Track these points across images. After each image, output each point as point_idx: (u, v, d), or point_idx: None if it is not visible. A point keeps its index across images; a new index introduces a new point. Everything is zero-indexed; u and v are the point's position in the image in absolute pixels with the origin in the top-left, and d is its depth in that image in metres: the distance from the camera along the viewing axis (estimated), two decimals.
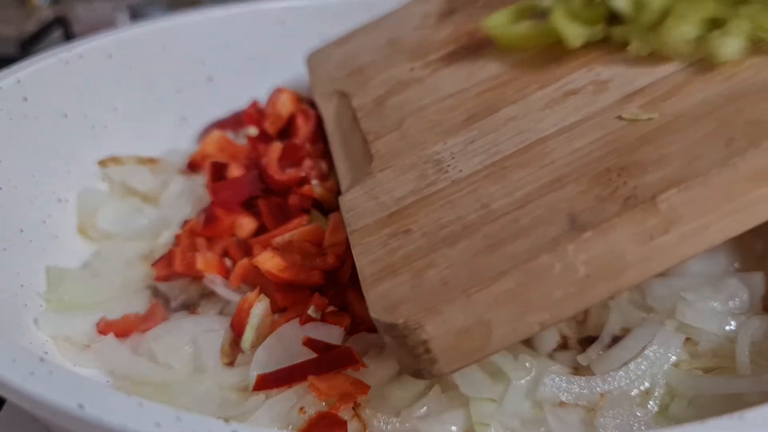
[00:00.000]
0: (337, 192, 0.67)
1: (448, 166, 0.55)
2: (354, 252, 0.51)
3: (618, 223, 0.43)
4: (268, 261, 0.63)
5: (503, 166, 0.52)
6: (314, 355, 0.56)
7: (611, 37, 0.61)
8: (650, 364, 0.56)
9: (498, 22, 0.67)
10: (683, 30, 0.55)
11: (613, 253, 0.43)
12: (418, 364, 0.43)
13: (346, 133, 0.69)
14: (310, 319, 0.61)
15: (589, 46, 0.62)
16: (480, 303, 0.42)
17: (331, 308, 0.62)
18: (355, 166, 0.62)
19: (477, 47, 0.69)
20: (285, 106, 0.90)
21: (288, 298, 0.63)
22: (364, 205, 0.55)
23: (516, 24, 0.67)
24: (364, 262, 0.49)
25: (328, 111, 0.76)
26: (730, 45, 0.52)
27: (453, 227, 0.48)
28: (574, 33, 0.61)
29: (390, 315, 0.43)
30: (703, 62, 0.54)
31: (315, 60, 0.88)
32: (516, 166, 0.51)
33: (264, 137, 0.89)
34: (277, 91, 0.93)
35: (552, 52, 0.63)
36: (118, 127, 0.88)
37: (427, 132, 0.60)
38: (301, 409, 0.54)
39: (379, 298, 0.45)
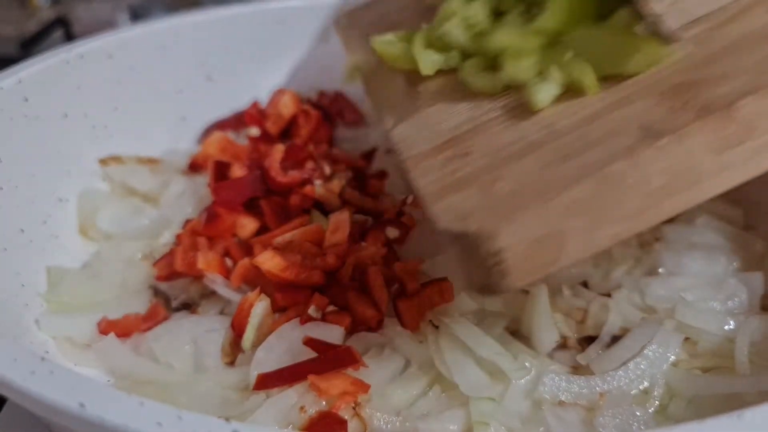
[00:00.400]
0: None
1: (502, 97, 0.54)
2: (412, 175, 0.50)
3: (694, 129, 0.41)
4: (269, 261, 0.63)
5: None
6: (315, 355, 0.57)
7: (463, 67, 0.62)
8: (649, 364, 0.56)
9: (385, 40, 0.69)
10: (519, 66, 0.55)
11: (689, 162, 0.41)
12: (489, 277, 0.42)
13: (385, 80, 0.69)
14: (311, 318, 0.61)
15: None
16: (554, 211, 0.41)
17: (331, 308, 0.63)
18: (398, 105, 0.63)
19: None
20: (286, 106, 0.91)
21: (288, 297, 0.64)
22: (415, 135, 0.55)
23: (395, 45, 0.68)
24: (423, 182, 0.48)
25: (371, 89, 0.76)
26: (544, 92, 0.52)
27: (516, 146, 0.47)
28: (428, 60, 0.62)
29: (461, 223, 0.42)
30: None
31: (344, 22, 0.89)
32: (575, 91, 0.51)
33: (266, 137, 0.90)
34: (279, 92, 0.94)
35: None
36: (119, 128, 0.88)
37: None
38: (302, 408, 0.54)
39: (447, 210, 0.44)
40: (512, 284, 0.41)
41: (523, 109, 0.51)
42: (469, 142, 0.50)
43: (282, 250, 0.65)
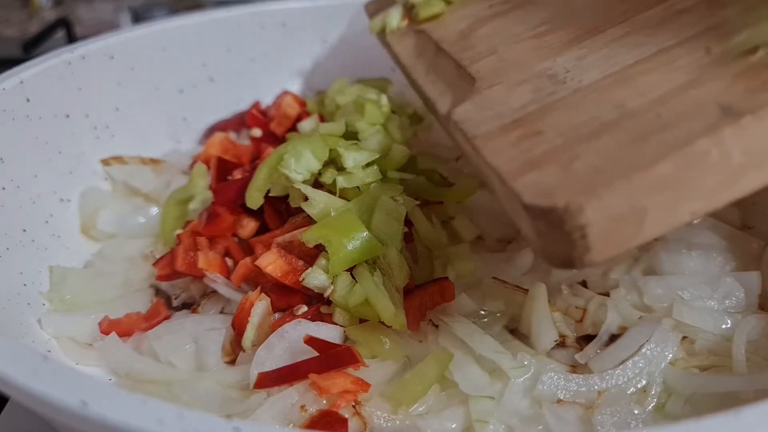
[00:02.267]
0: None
1: (565, 78, 0.55)
2: (484, 153, 0.51)
3: None
4: (271, 263, 0.64)
5: (627, 74, 0.52)
6: (315, 354, 0.57)
7: None
8: (647, 363, 0.57)
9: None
10: None
11: None
12: (572, 252, 0.42)
13: (431, 62, 0.70)
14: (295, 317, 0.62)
15: None
16: (638, 187, 0.41)
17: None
18: (451, 87, 0.64)
19: None
20: (291, 107, 0.92)
21: (282, 300, 0.64)
22: (478, 116, 0.56)
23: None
24: (499, 160, 0.49)
25: (404, 47, 0.78)
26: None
27: (590, 126, 0.48)
28: None
29: (547, 199, 0.42)
30: None
31: (376, 7, 0.90)
32: (641, 73, 0.51)
33: (268, 138, 0.90)
34: (283, 94, 0.95)
35: None
36: (120, 128, 0.88)
37: (528, 54, 0.61)
38: (302, 407, 0.54)
39: (530, 186, 0.44)
40: (594, 259, 0.42)
41: (589, 90, 0.52)
42: (539, 122, 0.51)
43: (284, 251, 0.65)
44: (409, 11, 0.79)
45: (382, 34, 0.83)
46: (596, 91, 0.51)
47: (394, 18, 0.80)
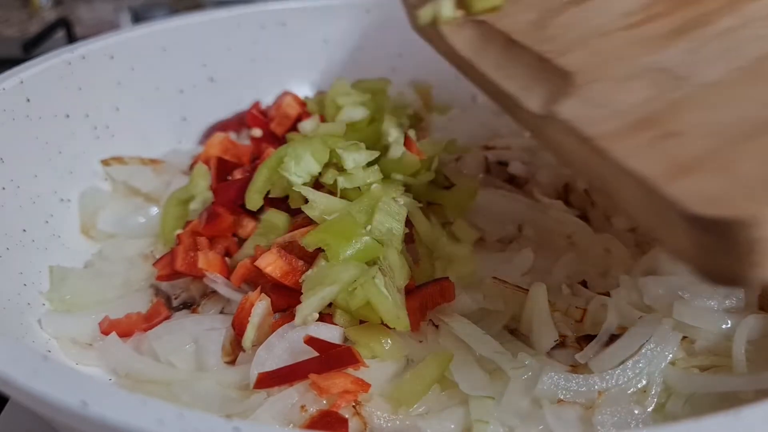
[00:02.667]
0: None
1: (683, 73, 0.51)
2: (614, 155, 0.46)
3: None
4: (271, 264, 0.63)
5: (758, 69, 0.49)
6: (315, 354, 0.57)
7: None
8: (647, 362, 0.57)
9: None
10: None
11: None
12: (739, 267, 0.39)
13: (501, 55, 0.66)
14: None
15: None
16: None
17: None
18: (536, 82, 0.59)
19: None
20: (292, 107, 0.92)
21: (282, 300, 0.64)
22: (590, 114, 0.51)
23: None
24: (639, 163, 0.44)
25: (462, 39, 0.72)
26: None
27: (741, 127, 0.44)
28: None
29: (717, 209, 0.38)
30: None
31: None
32: None
33: (268, 138, 0.90)
34: (284, 94, 0.96)
35: None
36: (120, 128, 0.88)
37: (625, 47, 0.58)
38: (303, 407, 0.54)
39: (692, 193, 0.40)
40: (762, 275, 0.39)
41: (721, 86, 0.49)
42: (672, 121, 0.47)
43: (284, 251, 0.65)
44: (461, 1, 0.73)
45: (429, 26, 0.77)
46: (729, 88, 0.48)
47: (447, 8, 0.74)
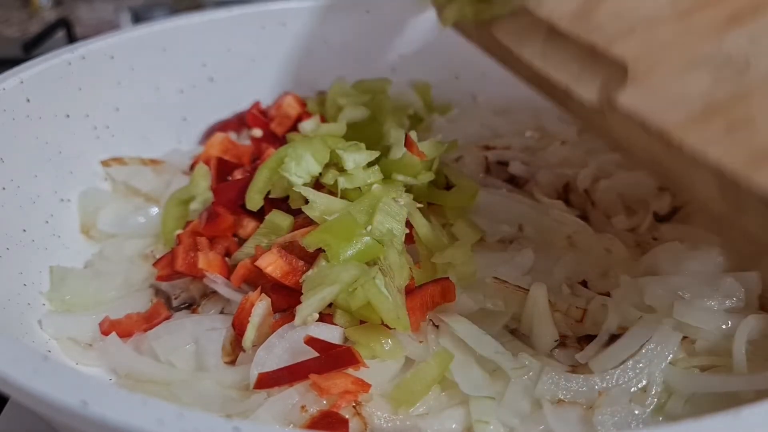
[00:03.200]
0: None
1: (746, 62, 0.51)
2: (690, 145, 0.46)
3: None
4: (272, 264, 0.63)
5: None
6: (315, 354, 0.57)
7: None
8: (648, 362, 0.56)
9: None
10: None
11: None
12: None
13: (545, 44, 0.65)
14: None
15: None
16: None
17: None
18: (588, 71, 0.59)
19: None
20: (292, 107, 0.92)
21: (283, 300, 0.64)
22: (655, 103, 0.51)
23: None
24: (718, 153, 0.44)
25: (501, 28, 0.70)
26: None
27: None
28: None
29: None
30: None
31: None
32: None
33: (268, 138, 0.90)
34: (284, 94, 0.96)
35: None
36: (120, 128, 0.88)
37: (679, 35, 0.56)
38: (303, 407, 0.54)
39: None
40: None
41: None
42: (743, 109, 0.46)
43: (284, 252, 0.65)
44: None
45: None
46: None
47: (469, 10, 0.72)
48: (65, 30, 1.64)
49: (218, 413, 0.55)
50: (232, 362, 0.63)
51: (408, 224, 0.66)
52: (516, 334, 0.63)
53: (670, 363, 0.57)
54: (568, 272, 0.68)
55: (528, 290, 0.63)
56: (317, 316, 0.60)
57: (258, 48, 1.02)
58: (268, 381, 0.56)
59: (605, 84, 0.56)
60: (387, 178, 0.72)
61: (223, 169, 0.81)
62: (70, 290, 0.70)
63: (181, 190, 0.80)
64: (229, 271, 0.69)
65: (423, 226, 0.68)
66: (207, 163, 0.83)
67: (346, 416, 0.53)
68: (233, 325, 0.64)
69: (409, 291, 0.62)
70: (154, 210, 0.82)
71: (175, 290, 0.72)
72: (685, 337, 0.59)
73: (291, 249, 0.65)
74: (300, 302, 0.60)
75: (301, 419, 0.54)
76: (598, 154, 0.88)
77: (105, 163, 0.85)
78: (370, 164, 0.71)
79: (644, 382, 0.56)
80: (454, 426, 0.54)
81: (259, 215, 0.73)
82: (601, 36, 0.60)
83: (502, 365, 0.57)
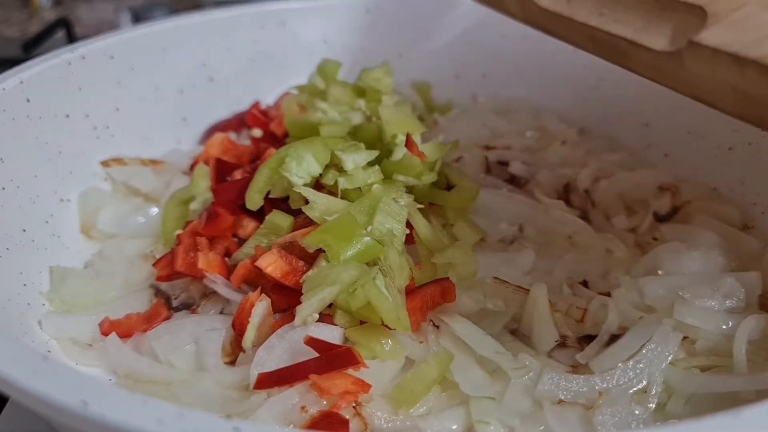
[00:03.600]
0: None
1: None
2: None
3: None
4: (272, 264, 0.63)
5: None
6: (315, 355, 0.57)
7: None
8: (648, 363, 0.56)
9: None
10: None
11: None
12: None
13: (599, 2, 0.63)
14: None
15: None
16: None
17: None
18: (656, 20, 0.58)
19: None
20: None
21: (283, 300, 0.64)
22: (743, 38, 0.51)
23: None
24: None
25: None
26: None
27: None
28: None
29: None
30: None
31: None
32: None
33: (268, 138, 0.90)
34: (285, 95, 0.96)
35: None
36: (120, 128, 0.88)
37: None
38: (303, 407, 0.54)
39: None
40: None
41: None
42: None
43: (284, 252, 0.65)
44: None
45: None
46: None
47: None
48: (65, 30, 1.64)
49: (218, 413, 0.55)
50: (232, 362, 0.63)
51: (408, 224, 0.66)
52: (516, 334, 0.63)
53: (670, 363, 0.57)
54: (568, 272, 0.68)
55: (528, 290, 0.63)
56: (317, 316, 0.60)
57: (258, 48, 1.02)
58: (268, 381, 0.56)
59: (679, 29, 0.56)
60: (388, 178, 0.72)
61: (222, 169, 0.81)
62: (70, 290, 0.70)
63: (181, 191, 0.80)
64: (229, 272, 0.69)
65: (423, 227, 0.68)
66: (207, 163, 0.83)
67: (347, 416, 0.53)
68: (233, 325, 0.63)
69: (410, 291, 0.62)
70: (154, 210, 0.82)
71: (175, 290, 0.72)
72: (685, 337, 0.59)
73: (291, 249, 0.65)
74: (300, 302, 0.60)
75: (301, 419, 0.54)
76: (598, 154, 0.88)
77: (105, 163, 0.84)
78: (370, 164, 0.71)
79: (644, 383, 0.56)
80: (454, 426, 0.54)
81: (259, 215, 0.73)
82: None
83: (503, 365, 0.57)
